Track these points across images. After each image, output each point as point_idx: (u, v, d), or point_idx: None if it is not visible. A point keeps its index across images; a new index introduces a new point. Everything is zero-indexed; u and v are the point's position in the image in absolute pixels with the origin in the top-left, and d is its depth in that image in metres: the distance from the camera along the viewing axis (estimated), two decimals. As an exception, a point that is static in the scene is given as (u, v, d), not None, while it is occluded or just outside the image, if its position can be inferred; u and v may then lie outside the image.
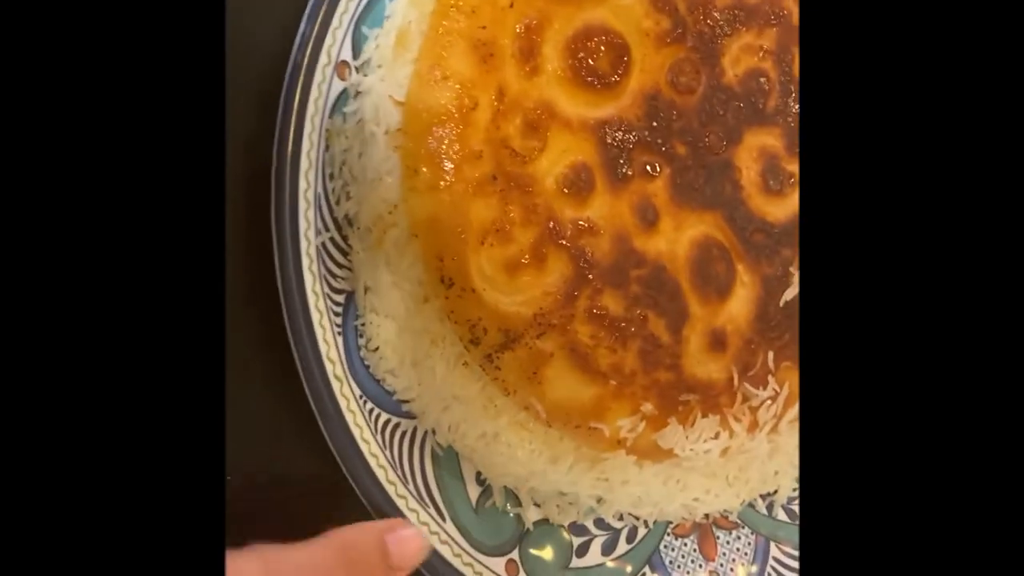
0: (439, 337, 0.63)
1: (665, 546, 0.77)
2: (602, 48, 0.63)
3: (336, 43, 0.67)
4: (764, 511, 0.81)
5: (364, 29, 0.69)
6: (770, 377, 0.71)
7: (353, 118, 0.66)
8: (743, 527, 0.80)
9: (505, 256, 0.61)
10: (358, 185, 0.64)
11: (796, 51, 0.71)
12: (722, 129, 0.68)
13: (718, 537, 0.79)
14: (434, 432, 0.67)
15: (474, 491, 0.70)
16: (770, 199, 0.70)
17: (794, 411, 0.75)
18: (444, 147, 0.59)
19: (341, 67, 0.68)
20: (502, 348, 0.61)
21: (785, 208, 0.71)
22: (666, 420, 0.67)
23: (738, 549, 0.79)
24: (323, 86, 0.66)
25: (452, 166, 0.59)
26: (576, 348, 0.63)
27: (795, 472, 0.80)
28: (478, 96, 0.60)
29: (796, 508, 0.82)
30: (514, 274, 0.61)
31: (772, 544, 0.80)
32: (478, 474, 0.70)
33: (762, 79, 0.70)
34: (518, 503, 0.71)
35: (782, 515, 0.82)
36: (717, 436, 0.70)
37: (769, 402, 0.72)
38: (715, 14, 0.67)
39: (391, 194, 0.61)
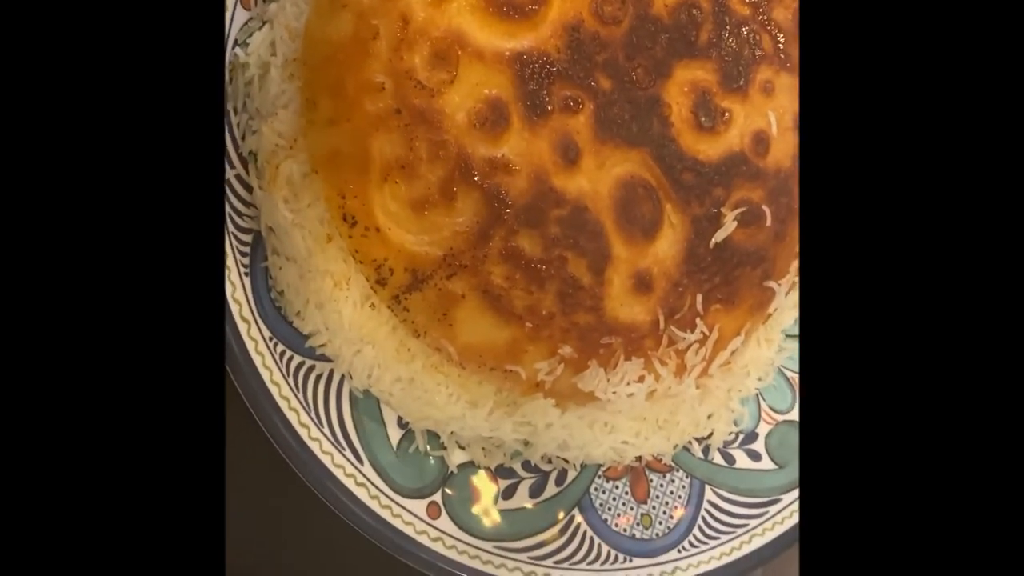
0: (343, 278, 0.61)
1: (596, 488, 0.77)
2: (516, -24, 0.60)
3: (242, -31, 0.64)
4: (700, 455, 0.81)
5: (270, -45, 0.66)
6: (698, 320, 0.70)
7: (256, 49, 0.63)
8: (677, 470, 0.80)
9: (411, 194, 0.58)
10: (257, 119, 0.61)
11: (734, -19, 0.68)
12: (650, 62, 0.65)
13: (651, 480, 0.79)
14: (351, 376, 0.66)
15: (395, 434, 0.69)
16: (702, 136, 0.68)
17: (725, 354, 0.74)
18: (343, 78, 0.56)
19: (245, -6, 0.65)
20: (410, 289, 0.59)
21: (717, 146, 0.69)
22: (586, 363, 0.66)
23: (672, 492, 0.79)
24: (227, 15, 0.63)
25: (352, 98, 0.56)
26: (489, 290, 0.61)
27: (730, 415, 0.80)
28: (379, 24, 0.57)
29: (732, 452, 0.82)
30: (421, 212, 0.59)
31: (707, 487, 0.80)
32: (399, 417, 0.69)
33: (694, 10, 0.66)
34: (443, 446, 0.71)
35: (718, 458, 0.81)
36: (642, 379, 0.68)
37: (697, 345, 0.70)
38: (644, -59, 0.64)
39: (286, 128, 0.59)
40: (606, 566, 0.74)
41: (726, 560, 0.76)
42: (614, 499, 0.77)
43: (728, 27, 0.68)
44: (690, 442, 0.80)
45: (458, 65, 0.59)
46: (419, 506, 0.68)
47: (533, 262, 0.63)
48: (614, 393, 0.67)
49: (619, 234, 0.66)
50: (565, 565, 0.72)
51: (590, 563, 0.73)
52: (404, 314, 0.60)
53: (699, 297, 0.69)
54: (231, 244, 0.63)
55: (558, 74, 0.62)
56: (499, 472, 0.72)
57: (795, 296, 0.79)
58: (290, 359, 0.65)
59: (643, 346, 0.68)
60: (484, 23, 0.60)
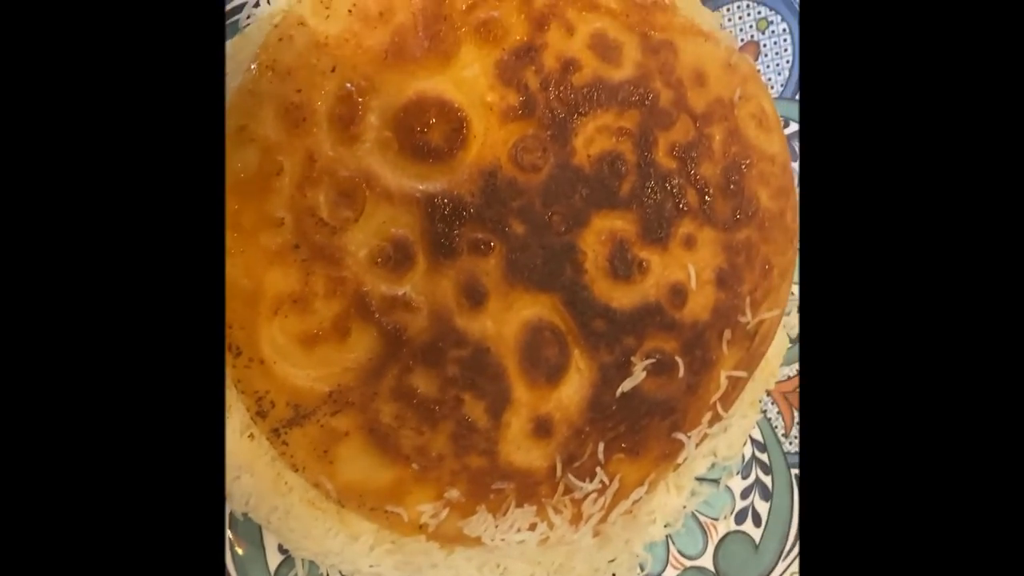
0: (225, 406, 0.60)
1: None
2: (433, 120, 0.60)
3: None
4: (602, 598, 0.78)
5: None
6: (599, 469, 0.69)
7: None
8: (577, 612, 0.77)
9: (302, 328, 0.58)
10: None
11: (661, 135, 0.69)
12: (568, 211, 0.65)
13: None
14: (230, 499, 0.65)
15: (274, 559, 0.67)
16: (616, 285, 0.68)
17: (627, 503, 0.72)
18: (241, 211, 0.56)
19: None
20: (290, 423, 0.58)
21: (632, 295, 0.68)
22: (474, 508, 0.64)
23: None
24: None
25: (248, 232, 0.56)
26: (376, 428, 0.60)
27: (634, 559, 0.78)
28: (283, 161, 0.57)
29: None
30: (311, 347, 0.58)
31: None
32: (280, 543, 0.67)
33: (618, 162, 0.67)
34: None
35: (623, 602, 0.79)
36: (533, 527, 0.67)
37: (595, 495, 0.69)
38: (570, 92, 0.64)
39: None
40: None
41: None
42: (505, 639, 0.74)
43: (652, 180, 0.68)
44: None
45: (364, 204, 0.59)
46: (293, 637, 0.66)
47: (426, 402, 0.62)
48: (503, 540, 0.65)
49: (522, 377, 0.65)
50: None
51: None
52: (283, 447, 0.59)
53: (601, 445, 0.68)
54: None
55: (469, 217, 0.62)
56: (384, 604, 0.70)
57: (709, 444, 0.78)
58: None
59: (537, 493, 0.67)
60: (396, 164, 0.60)
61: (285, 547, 0.67)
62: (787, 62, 0.82)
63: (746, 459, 0.83)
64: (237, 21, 0.64)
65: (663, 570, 0.80)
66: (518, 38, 0.62)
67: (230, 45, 0.60)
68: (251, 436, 0.60)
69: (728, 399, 0.74)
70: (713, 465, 0.82)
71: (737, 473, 0.82)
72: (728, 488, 0.83)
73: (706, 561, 0.82)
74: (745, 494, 0.83)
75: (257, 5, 0.64)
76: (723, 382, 0.72)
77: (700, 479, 0.82)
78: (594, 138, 0.66)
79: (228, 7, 0.64)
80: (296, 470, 0.60)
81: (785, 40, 0.82)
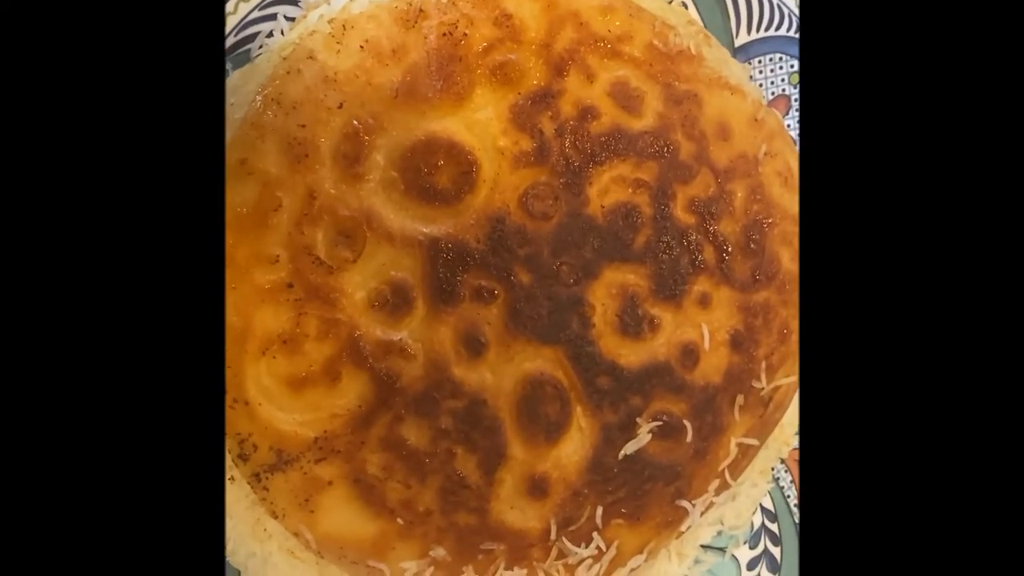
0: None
1: None
2: (442, 162, 0.58)
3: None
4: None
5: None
6: (595, 534, 0.65)
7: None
8: None
9: (290, 370, 0.56)
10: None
11: (680, 189, 0.66)
12: (577, 261, 0.63)
13: None
14: (208, 540, 0.62)
15: (251, 606, 0.64)
16: (624, 341, 0.65)
17: (624, 572, 0.69)
18: (236, 246, 0.54)
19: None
20: (272, 469, 0.56)
21: (640, 353, 0.65)
22: (460, 568, 0.61)
23: None
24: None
25: (242, 267, 0.54)
26: (361, 479, 0.57)
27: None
28: (283, 197, 0.55)
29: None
30: (299, 391, 0.56)
31: None
32: (258, 588, 0.64)
33: (633, 214, 0.64)
34: (304, 623, 0.66)
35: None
36: (522, 591, 0.64)
37: (591, 561, 0.66)
38: (587, 141, 0.62)
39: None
40: None
41: None
42: None
43: (668, 234, 0.65)
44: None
45: (364, 244, 0.57)
46: None
47: (416, 454, 0.59)
48: (488, 603, 0.62)
49: (519, 433, 0.63)
50: None
51: None
52: (264, 493, 0.57)
53: (600, 509, 0.65)
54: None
55: (474, 263, 0.60)
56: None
57: (715, 513, 0.74)
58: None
59: (529, 555, 0.64)
60: (400, 205, 0.58)
61: (263, 593, 0.64)
62: (818, 118, 0.79)
63: (755, 528, 0.79)
64: (248, 51, 0.63)
65: (660, 637, 0.76)
66: (535, 83, 0.60)
67: (238, 75, 0.59)
68: (231, 479, 0.57)
69: (737, 467, 0.71)
70: (719, 533, 0.78)
71: (745, 543, 0.78)
72: (734, 557, 0.79)
73: (707, 629, 0.78)
74: (752, 565, 0.79)
75: (271, 36, 0.63)
76: (733, 449, 0.69)
77: (705, 547, 0.78)
78: (609, 188, 0.64)
79: (240, 36, 0.62)
80: (276, 517, 0.57)
81: (817, 95, 0.79)
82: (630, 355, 0.65)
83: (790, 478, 0.80)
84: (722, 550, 0.78)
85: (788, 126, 0.76)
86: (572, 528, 0.64)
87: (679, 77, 0.65)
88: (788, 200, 0.68)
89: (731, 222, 0.68)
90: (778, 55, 0.79)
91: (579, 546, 0.64)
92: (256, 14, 0.64)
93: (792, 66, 0.81)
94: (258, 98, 0.55)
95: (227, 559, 0.61)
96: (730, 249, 0.67)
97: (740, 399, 0.68)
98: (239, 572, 0.64)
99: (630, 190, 0.64)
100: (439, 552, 0.59)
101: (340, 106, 0.56)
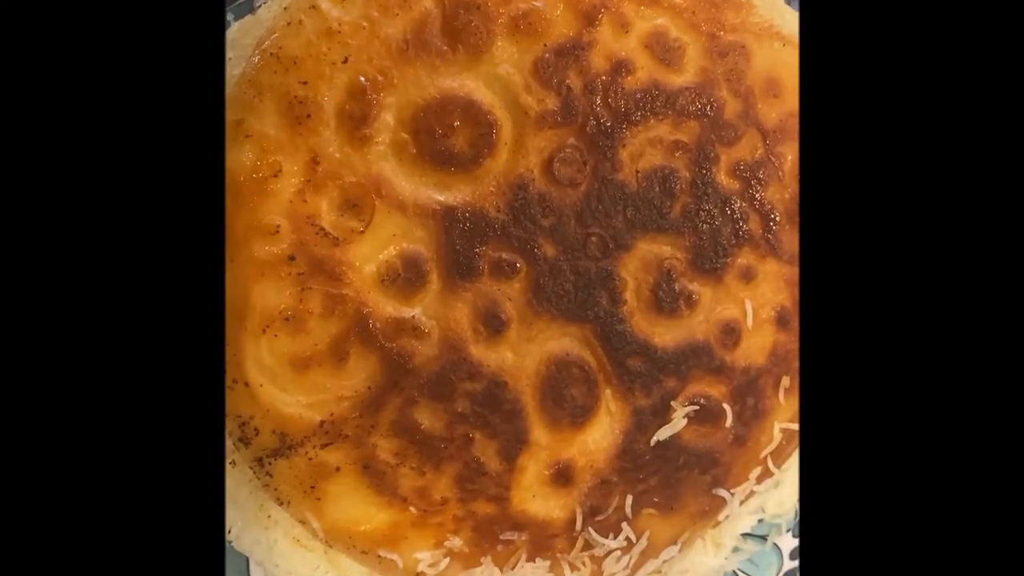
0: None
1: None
2: (458, 122, 0.53)
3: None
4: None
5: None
6: (625, 524, 0.61)
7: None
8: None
9: (293, 349, 0.52)
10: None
11: (723, 151, 0.60)
12: (607, 231, 0.58)
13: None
14: (213, 524, 0.60)
15: (261, 591, 0.62)
16: (659, 319, 0.60)
17: (656, 563, 0.65)
18: (233, 215, 0.50)
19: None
20: (276, 454, 0.52)
21: (676, 331, 0.60)
22: (479, 559, 0.58)
23: None
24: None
25: (239, 238, 0.50)
26: (372, 465, 0.54)
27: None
28: (283, 161, 0.51)
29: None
30: (303, 371, 0.52)
31: None
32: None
33: (671, 179, 0.58)
34: (316, 609, 0.63)
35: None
36: (544, 584, 0.60)
37: (619, 552, 0.61)
38: (620, 98, 0.56)
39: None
40: None
41: None
42: None
43: (709, 202, 0.60)
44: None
45: (373, 214, 0.52)
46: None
47: (431, 439, 0.55)
48: (508, 595, 0.58)
49: (542, 417, 0.58)
50: None
51: None
52: (267, 479, 0.53)
53: (629, 498, 0.61)
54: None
55: (493, 234, 0.55)
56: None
57: (755, 501, 0.69)
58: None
59: (552, 546, 0.60)
60: (412, 171, 0.53)
61: (272, 578, 0.61)
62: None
63: (798, 515, 0.74)
64: (252, 0, 0.58)
65: (695, 630, 0.72)
66: (562, 33, 0.55)
67: (238, 27, 0.54)
68: (232, 463, 0.54)
69: (781, 454, 0.65)
70: (760, 521, 0.73)
71: (788, 531, 0.74)
72: (776, 546, 0.74)
73: (745, 622, 0.74)
74: (795, 555, 0.74)
75: (276, -17, 0.58)
76: (776, 435, 0.64)
77: (745, 535, 0.73)
78: (644, 151, 0.58)
79: (241, -16, 0.58)
80: (280, 504, 0.54)
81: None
82: (665, 334, 0.60)
83: (838, 463, 0.74)
84: (763, 538, 0.73)
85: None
86: (599, 518, 0.60)
87: (724, 26, 0.59)
88: (844, 164, 0.62)
89: (779, 188, 0.62)
90: (837, 2, 0.71)
91: (607, 537, 0.60)
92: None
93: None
94: (256, 52, 0.51)
95: (232, 544, 0.58)
96: (778, 218, 0.62)
97: (786, 381, 0.63)
98: (246, 558, 0.61)
99: (667, 153, 0.59)
100: (455, 542, 0.56)
101: (345, 61, 0.51)
